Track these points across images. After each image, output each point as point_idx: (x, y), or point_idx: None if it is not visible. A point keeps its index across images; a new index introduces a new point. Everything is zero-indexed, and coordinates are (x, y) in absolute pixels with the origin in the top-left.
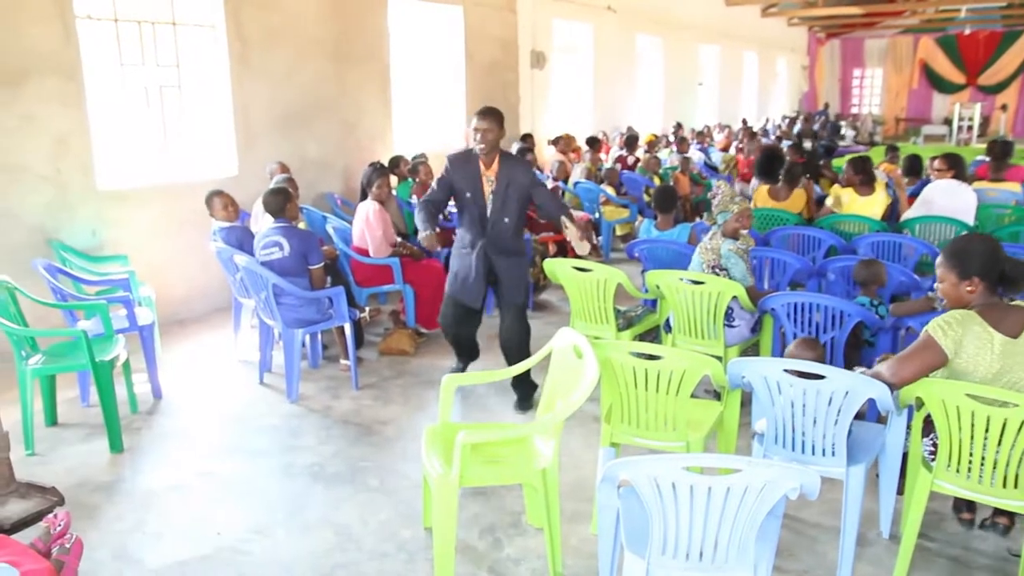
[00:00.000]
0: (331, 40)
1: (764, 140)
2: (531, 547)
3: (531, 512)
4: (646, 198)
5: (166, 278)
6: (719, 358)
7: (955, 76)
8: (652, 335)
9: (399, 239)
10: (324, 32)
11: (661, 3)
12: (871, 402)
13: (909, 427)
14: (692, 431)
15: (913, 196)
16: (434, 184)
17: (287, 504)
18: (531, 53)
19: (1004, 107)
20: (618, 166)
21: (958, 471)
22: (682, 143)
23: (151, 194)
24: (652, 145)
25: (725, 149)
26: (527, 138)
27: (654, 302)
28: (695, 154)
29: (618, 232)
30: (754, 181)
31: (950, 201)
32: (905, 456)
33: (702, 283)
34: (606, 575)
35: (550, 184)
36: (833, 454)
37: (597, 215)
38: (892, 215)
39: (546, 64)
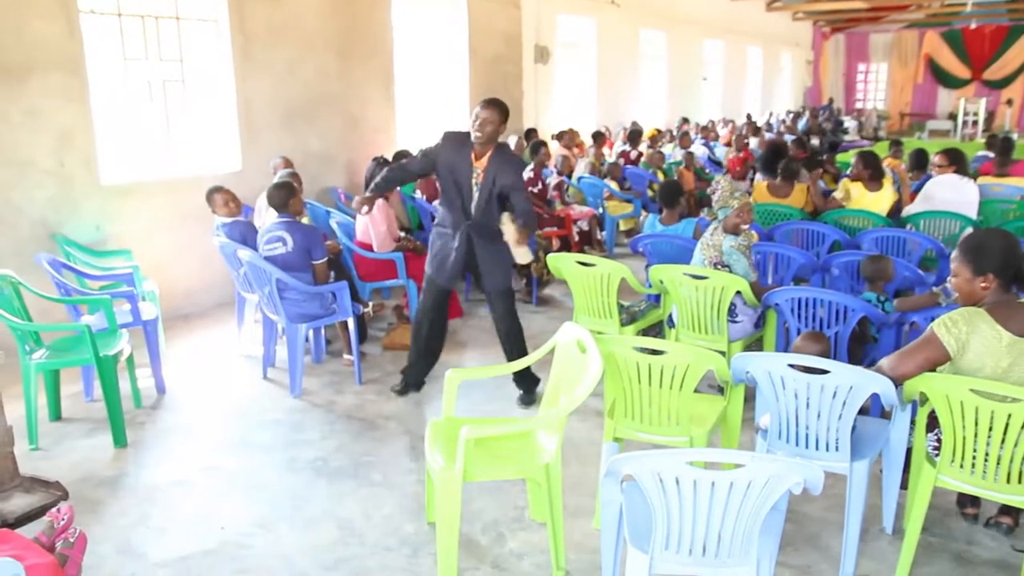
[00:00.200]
0: (335, 34)
1: (768, 135)
2: (534, 542)
3: (534, 507)
4: (650, 193)
5: (170, 273)
6: (722, 353)
7: (960, 71)
8: (655, 330)
9: (403, 234)
10: (328, 26)
11: None
12: (875, 397)
13: (913, 422)
14: (696, 426)
15: (916, 192)
16: (418, 154)
17: (290, 499)
18: (535, 48)
19: (1010, 102)
20: (621, 161)
21: (962, 466)
22: (684, 138)
23: (155, 189)
24: (655, 140)
25: (729, 144)
26: (532, 133)
27: (657, 297)
28: (699, 149)
29: (622, 227)
30: (757, 176)
31: (952, 196)
32: (909, 451)
33: (706, 278)
34: (609, 570)
35: (555, 179)
36: (837, 449)
37: (601, 210)
38: (896, 210)
39: (550, 59)
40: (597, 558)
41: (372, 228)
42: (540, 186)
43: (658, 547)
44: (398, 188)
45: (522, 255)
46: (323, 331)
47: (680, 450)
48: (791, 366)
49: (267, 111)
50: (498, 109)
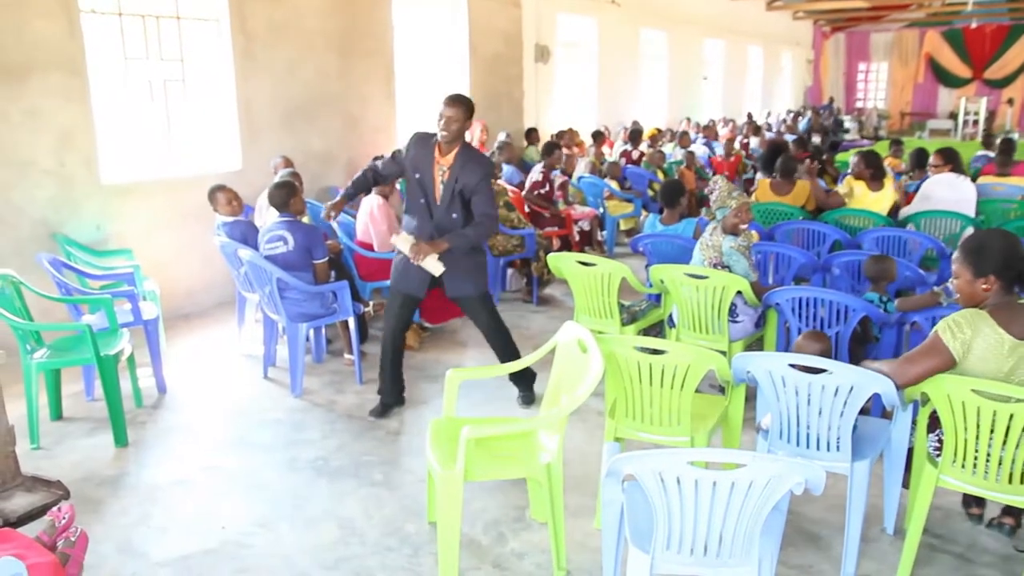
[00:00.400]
0: (335, 34)
1: (768, 135)
2: (535, 542)
3: (535, 507)
4: (650, 193)
5: (170, 272)
6: (723, 353)
7: (961, 70)
8: (656, 330)
9: None
10: (328, 26)
11: None
12: (876, 397)
13: (914, 422)
14: (696, 426)
15: (915, 192)
16: (390, 156)
17: (291, 498)
18: (535, 47)
19: (1011, 101)
20: (622, 160)
21: (964, 467)
22: (684, 137)
23: (155, 188)
24: (656, 139)
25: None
26: (532, 132)
27: (658, 297)
28: (700, 149)
29: (622, 227)
30: (758, 175)
31: (950, 194)
32: (910, 451)
33: (706, 278)
34: (610, 570)
35: (559, 179)
36: (838, 449)
37: (601, 210)
38: (894, 211)
39: (550, 58)
40: (598, 558)
41: (373, 227)
42: (548, 187)
43: (659, 547)
44: (397, 187)
45: (432, 267)
46: (324, 330)
47: (681, 450)
48: (792, 366)
49: (267, 110)
50: (463, 106)
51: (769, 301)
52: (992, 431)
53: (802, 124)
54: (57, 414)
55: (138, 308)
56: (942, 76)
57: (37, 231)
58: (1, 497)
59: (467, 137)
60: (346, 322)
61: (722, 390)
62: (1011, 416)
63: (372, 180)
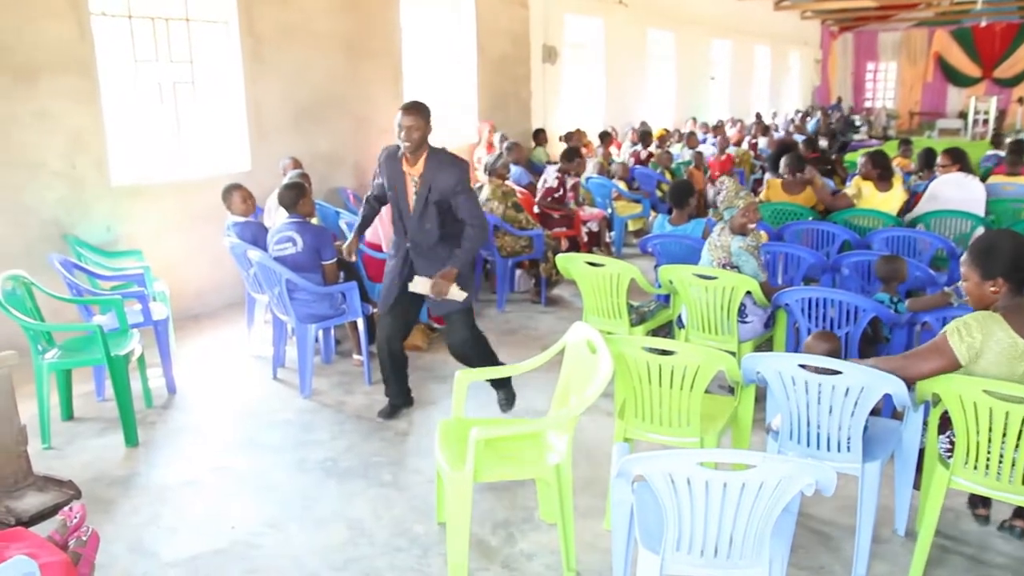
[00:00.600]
0: (343, 35)
1: (776, 136)
2: (544, 542)
3: (544, 507)
4: (658, 193)
5: (180, 273)
6: (732, 354)
7: (970, 69)
8: (665, 330)
9: None
10: (336, 27)
11: None
12: (886, 398)
13: (926, 423)
14: (706, 427)
15: (923, 192)
16: (373, 180)
17: (300, 499)
18: (543, 48)
19: (1021, 100)
20: (631, 161)
21: (975, 468)
22: (691, 138)
23: (165, 190)
24: (664, 140)
25: (738, 144)
26: (540, 133)
27: (667, 297)
28: (708, 149)
29: (630, 227)
30: (767, 175)
31: (958, 194)
32: (921, 452)
33: (715, 278)
34: (620, 571)
35: (571, 181)
36: (849, 450)
37: (609, 210)
38: (904, 210)
39: (558, 59)
40: (608, 559)
41: (381, 229)
42: (561, 192)
43: (669, 548)
44: None
45: (456, 295)
46: (333, 331)
47: (691, 451)
48: (802, 366)
49: (276, 112)
50: (420, 113)
51: (779, 301)
52: (1005, 432)
53: (810, 125)
54: (68, 414)
55: (148, 309)
56: (951, 75)
57: (48, 232)
58: (13, 497)
59: (475, 139)
60: (355, 323)
61: (731, 391)
62: None
63: (376, 207)
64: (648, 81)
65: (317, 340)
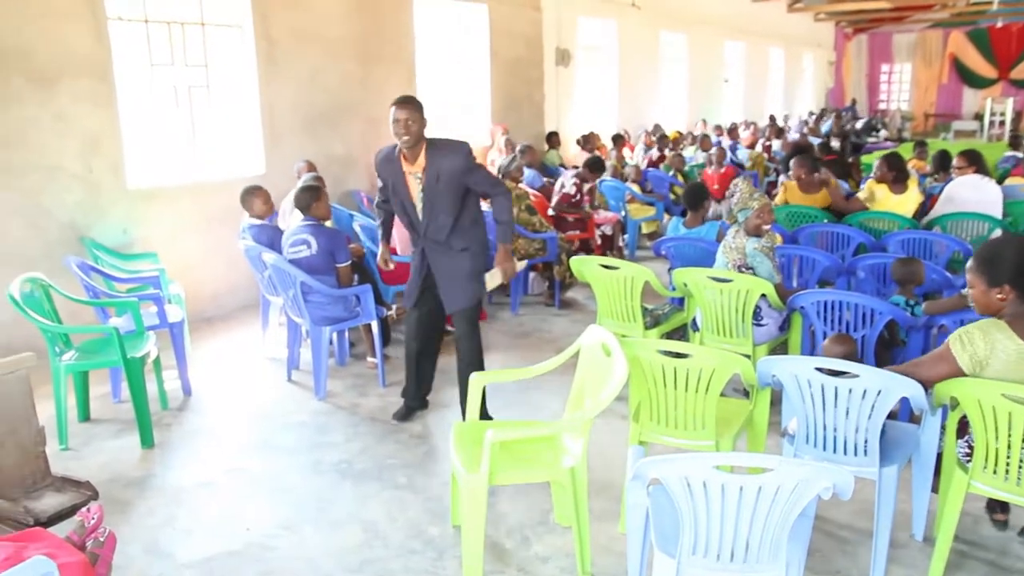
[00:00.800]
0: (357, 39)
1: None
2: (559, 545)
3: (559, 510)
4: (672, 196)
5: (195, 276)
6: (747, 357)
7: (986, 70)
8: (679, 333)
9: None
10: (350, 31)
11: None
12: (903, 402)
13: (943, 427)
14: (721, 430)
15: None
16: (378, 185)
17: (315, 501)
18: (556, 50)
19: None
20: (644, 163)
21: (995, 472)
22: (704, 140)
23: (180, 193)
24: (677, 142)
25: (751, 146)
26: (553, 136)
27: (681, 300)
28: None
29: (644, 230)
30: (781, 178)
31: (974, 196)
32: (939, 456)
33: (730, 281)
34: (635, 574)
35: (587, 185)
36: (865, 454)
37: (623, 213)
38: (920, 213)
39: (571, 61)
40: (622, 562)
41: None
42: (578, 197)
43: (685, 552)
44: None
45: (493, 279)
46: (347, 334)
47: (708, 454)
48: (818, 369)
49: (290, 115)
50: (414, 106)
51: (794, 304)
52: None
53: (824, 127)
54: (85, 415)
55: (164, 311)
56: (967, 77)
57: (65, 235)
58: (31, 497)
59: (488, 142)
60: (369, 325)
61: (746, 394)
62: None
63: (389, 211)
64: (661, 83)
65: (331, 342)
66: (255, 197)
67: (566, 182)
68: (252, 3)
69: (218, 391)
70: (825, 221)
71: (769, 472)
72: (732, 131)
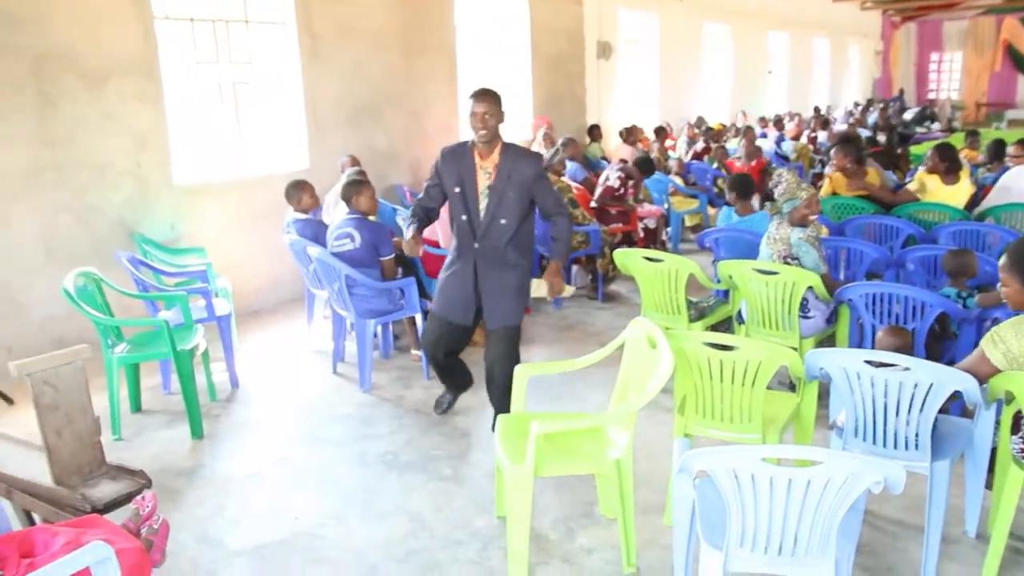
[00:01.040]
0: (399, 33)
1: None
2: (604, 537)
3: (604, 502)
4: (715, 188)
5: (241, 270)
6: (794, 350)
7: None
8: (724, 326)
9: None
10: (392, 25)
11: None
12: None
13: (998, 422)
14: (768, 423)
15: (993, 184)
16: (426, 186)
17: (361, 492)
18: (597, 44)
19: None
20: (689, 156)
21: None
22: (748, 131)
23: (226, 188)
24: (719, 135)
25: (796, 138)
26: (595, 129)
27: (726, 293)
28: (767, 144)
29: (687, 223)
30: (827, 169)
31: None
32: (993, 451)
33: (776, 273)
34: (681, 566)
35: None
36: (917, 448)
37: (666, 206)
38: (972, 204)
39: (612, 54)
40: (667, 554)
41: (438, 224)
42: (622, 190)
43: (733, 544)
44: None
45: (539, 288)
46: (391, 327)
47: (756, 446)
48: (868, 362)
49: (333, 110)
50: (494, 99)
51: (842, 297)
52: None
53: (871, 118)
54: (136, 407)
55: (211, 304)
56: (1021, 64)
57: (115, 230)
58: (88, 485)
59: (530, 135)
60: (413, 318)
61: (792, 387)
62: None
63: (425, 218)
64: (703, 75)
65: (376, 335)
66: (301, 191)
67: (611, 175)
68: None
69: (265, 383)
70: (872, 212)
71: (818, 465)
72: (778, 123)
